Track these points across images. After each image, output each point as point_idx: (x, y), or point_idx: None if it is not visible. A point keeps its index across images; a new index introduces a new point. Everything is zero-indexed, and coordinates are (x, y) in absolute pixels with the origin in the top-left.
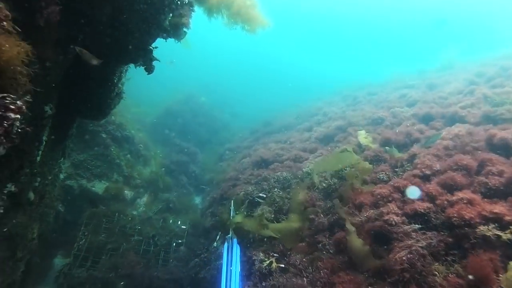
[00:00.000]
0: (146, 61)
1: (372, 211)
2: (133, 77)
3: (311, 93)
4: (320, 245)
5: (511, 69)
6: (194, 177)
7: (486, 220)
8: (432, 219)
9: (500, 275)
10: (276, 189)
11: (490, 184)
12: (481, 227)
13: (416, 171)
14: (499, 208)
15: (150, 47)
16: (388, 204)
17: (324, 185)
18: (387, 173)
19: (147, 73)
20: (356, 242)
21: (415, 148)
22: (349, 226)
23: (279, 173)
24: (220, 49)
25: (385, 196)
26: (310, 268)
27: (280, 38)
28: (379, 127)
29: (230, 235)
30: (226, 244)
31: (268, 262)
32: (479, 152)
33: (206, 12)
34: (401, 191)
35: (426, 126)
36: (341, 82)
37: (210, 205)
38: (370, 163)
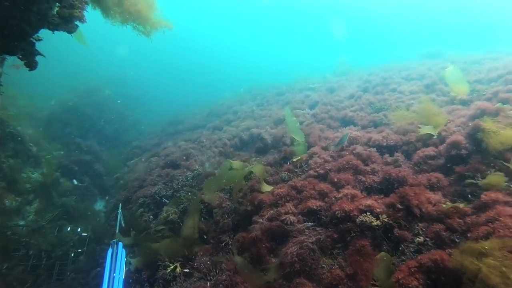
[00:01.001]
0: (27, 54)
1: (272, 211)
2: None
3: (226, 89)
4: (223, 244)
5: (388, 79)
6: (98, 177)
7: (361, 212)
8: (323, 216)
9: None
10: (184, 188)
11: (367, 182)
12: (360, 217)
13: (311, 172)
14: (371, 201)
15: (33, 39)
16: (286, 204)
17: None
18: (289, 173)
19: (28, 69)
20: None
21: (316, 148)
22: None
23: (189, 172)
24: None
25: (283, 196)
26: (214, 270)
27: (200, 32)
28: (285, 126)
29: (115, 239)
30: (110, 249)
31: (172, 267)
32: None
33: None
34: (298, 190)
35: (325, 126)
36: (256, 80)
37: (115, 209)
38: (275, 163)
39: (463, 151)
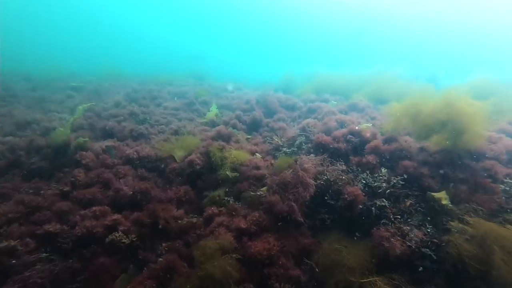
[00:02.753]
0: None
1: None
2: None
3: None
4: None
5: (155, 91)
6: None
7: (110, 230)
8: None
9: None
10: None
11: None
12: (110, 236)
13: (50, 191)
14: (119, 217)
15: None
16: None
17: None
18: None
19: None
20: None
21: None
22: None
23: None
24: None
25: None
26: None
27: None
28: None
29: None
30: None
31: None
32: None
33: None
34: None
35: None
36: None
37: None
38: None
39: (199, 168)
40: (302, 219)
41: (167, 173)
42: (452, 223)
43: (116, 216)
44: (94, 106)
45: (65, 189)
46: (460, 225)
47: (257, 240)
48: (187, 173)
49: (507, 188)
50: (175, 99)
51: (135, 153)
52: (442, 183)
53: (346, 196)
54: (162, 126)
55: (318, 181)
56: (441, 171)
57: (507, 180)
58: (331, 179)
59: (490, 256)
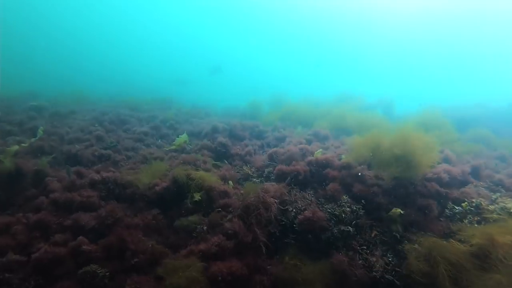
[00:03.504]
0: None
1: None
2: None
3: None
4: None
5: (122, 115)
6: None
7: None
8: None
9: None
10: None
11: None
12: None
13: None
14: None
15: None
16: None
17: None
18: None
19: None
20: None
21: None
22: None
23: None
24: None
25: None
26: None
27: None
28: None
29: None
30: None
31: None
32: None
33: None
34: None
35: None
36: None
37: None
38: None
39: (166, 193)
40: (264, 241)
41: (135, 199)
42: (406, 246)
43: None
44: (58, 129)
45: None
46: (413, 246)
47: (222, 262)
48: (154, 199)
49: (450, 213)
50: (144, 124)
51: (100, 178)
52: (396, 206)
53: (305, 218)
54: (131, 152)
55: (283, 206)
56: (393, 197)
57: (450, 204)
58: (293, 203)
59: (436, 268)
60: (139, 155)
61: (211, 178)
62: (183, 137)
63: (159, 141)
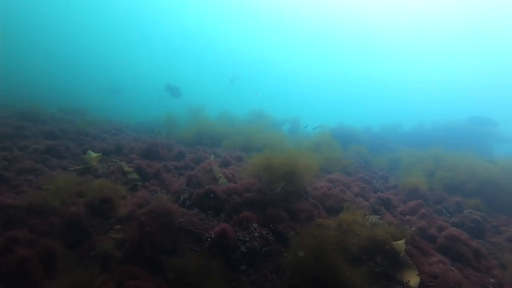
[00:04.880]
0: None
1: None
2: None
3: None
4: None
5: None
6: None
7: None
8: None
9: None
10: None
11: None
12: None
13: None
14: None
15: None
16: None
17: None
18: None
19: None
20: None
21: None
22: None
23: None
24: None
25: None
26: None
27: None
28: None
29: None
30: None
31: None
32: None
33: None
34: None
35: None
36: None
37: None
38: None
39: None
40: None
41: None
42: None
43: None
44: None
45: None
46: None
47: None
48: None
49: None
50: (45, 140)
51: None
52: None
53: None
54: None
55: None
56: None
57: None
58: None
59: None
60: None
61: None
62: (93, 155)
63: (64, 161)
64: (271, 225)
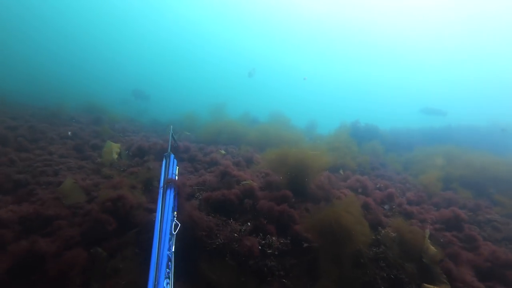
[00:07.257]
0: None
1: None
2: None
3: None
4: None
5: (38, 131)
6: None
7: None
8: None
9: None
10: None
11: None
12: None
13: None
14: None
15: None
16: None
17: None
18: None
19: None
20: None
21: None
22: None
23: None
24: None
25: None
26: None
27: None
28: None
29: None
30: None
31: None
32: None
33: None
34: None
35: None
36: None
37: None
38: None
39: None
40: None
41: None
42: None
43: None
44: None
45: None
46: None
47: None
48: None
49: None
50: (66, 140)
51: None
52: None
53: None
54: (49, 177)
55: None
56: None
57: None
58: None
59: None
60: (59, 182)
61: None
62: (115, 146)
63: (82, 162)
64: None
